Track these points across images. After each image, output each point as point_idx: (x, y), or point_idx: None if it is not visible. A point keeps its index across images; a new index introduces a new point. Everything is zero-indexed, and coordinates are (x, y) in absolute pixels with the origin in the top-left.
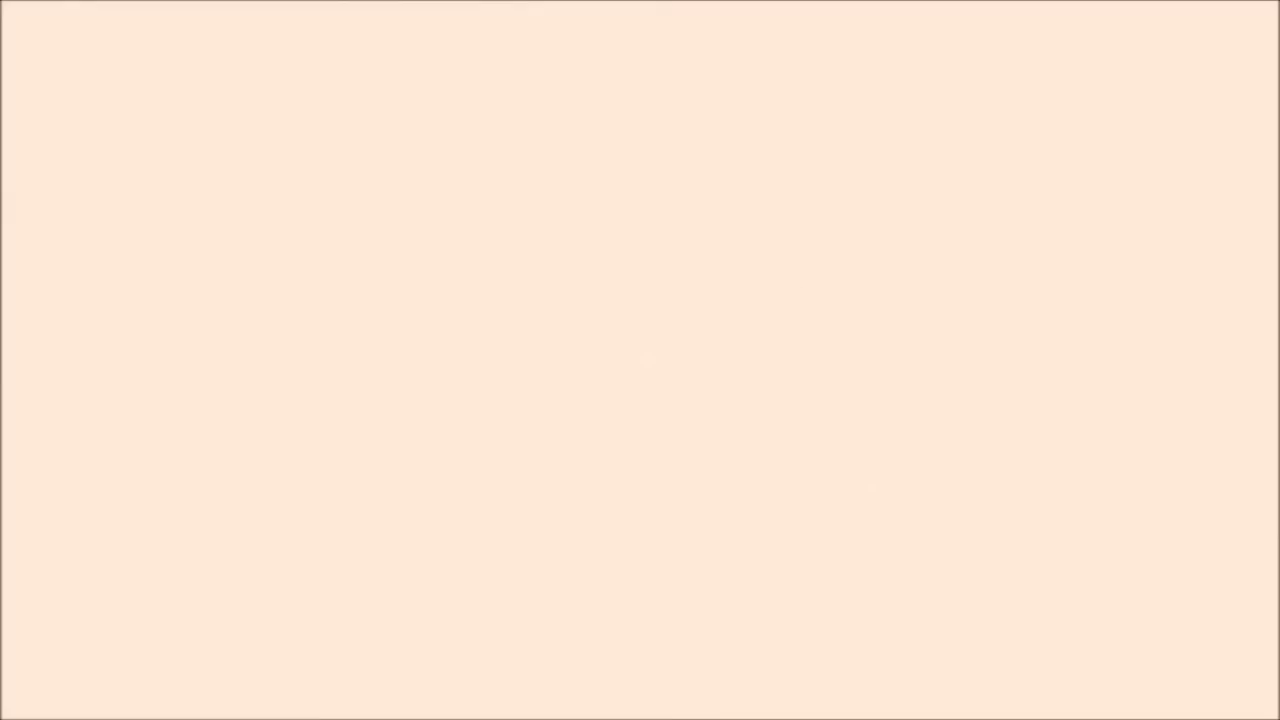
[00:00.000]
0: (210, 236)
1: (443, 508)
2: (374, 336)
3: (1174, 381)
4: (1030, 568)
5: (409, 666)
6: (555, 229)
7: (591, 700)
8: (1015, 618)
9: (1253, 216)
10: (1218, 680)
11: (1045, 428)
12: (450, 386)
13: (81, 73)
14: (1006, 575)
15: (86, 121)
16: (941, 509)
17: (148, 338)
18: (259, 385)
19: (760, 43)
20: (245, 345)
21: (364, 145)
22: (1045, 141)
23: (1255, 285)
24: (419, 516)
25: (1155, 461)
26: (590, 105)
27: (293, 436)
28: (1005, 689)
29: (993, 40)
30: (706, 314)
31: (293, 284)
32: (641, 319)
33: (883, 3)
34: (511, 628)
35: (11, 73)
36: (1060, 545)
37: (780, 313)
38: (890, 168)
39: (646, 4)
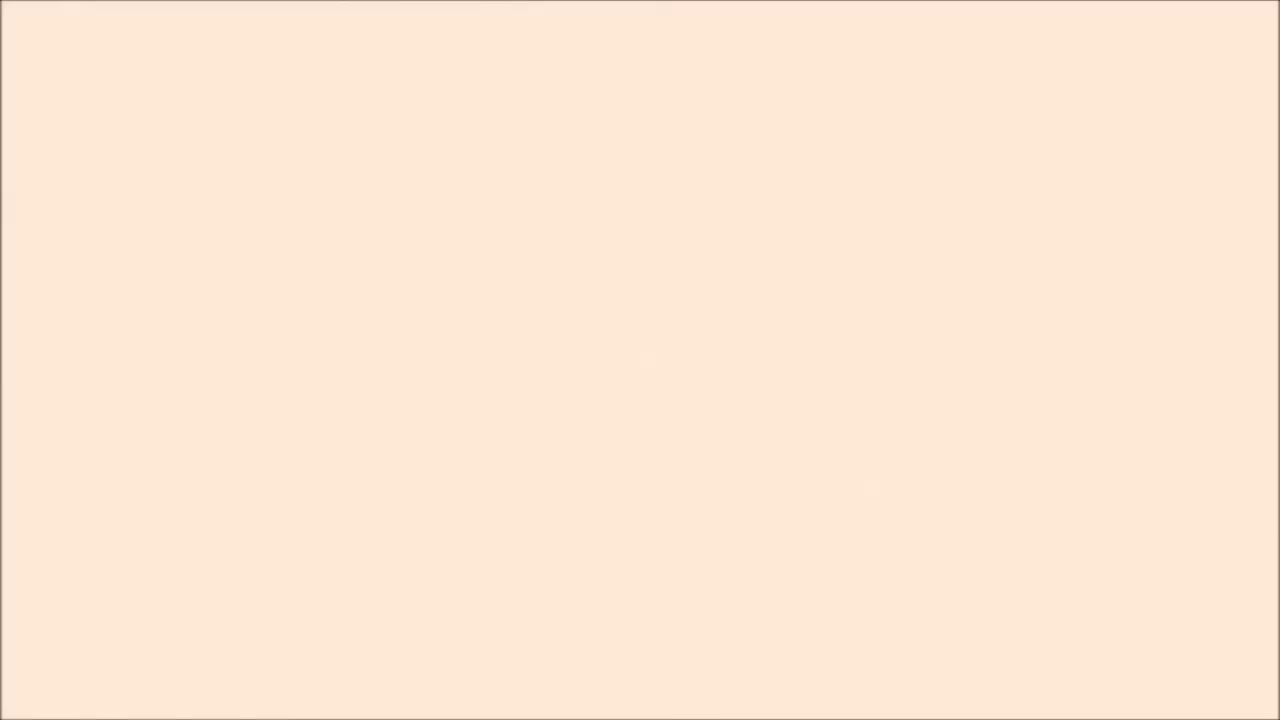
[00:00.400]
0: (210, 237)
1: (443, 508)
2: (374, 337)
3: (1174, 382)
4: (1030, 568)
5: (409, 667)
6: (555, 229)
7: (592, 700)
8: (1015, 618)
9: (1253, 216)
10: (1218, 680)
11: (1045, 429)
12: (450, 387)
13: (81, 73)
14: (1006, 575)
15: (86, 121)
16: (941, 509)
17: (148, 338)
18: (259, 386)
19: (760, 43)
20: (245, 346)
21: (364, 145)
22: (1045, 141)
23: (1255, 285)
24: (419, 517)
25: (1155, 463)
26: (590, 105)
27: (293, 437)
28: (1005, 689)
29: (993, 40)
30: (706, 314)
31: (293, 284)
32: (641, 319)
33: (883, 3)
34: (511, 628)
35: (11, 73)
36: (1060, 546)
37: (780, 313)
38: (890, 168)
39: (647, 4)
